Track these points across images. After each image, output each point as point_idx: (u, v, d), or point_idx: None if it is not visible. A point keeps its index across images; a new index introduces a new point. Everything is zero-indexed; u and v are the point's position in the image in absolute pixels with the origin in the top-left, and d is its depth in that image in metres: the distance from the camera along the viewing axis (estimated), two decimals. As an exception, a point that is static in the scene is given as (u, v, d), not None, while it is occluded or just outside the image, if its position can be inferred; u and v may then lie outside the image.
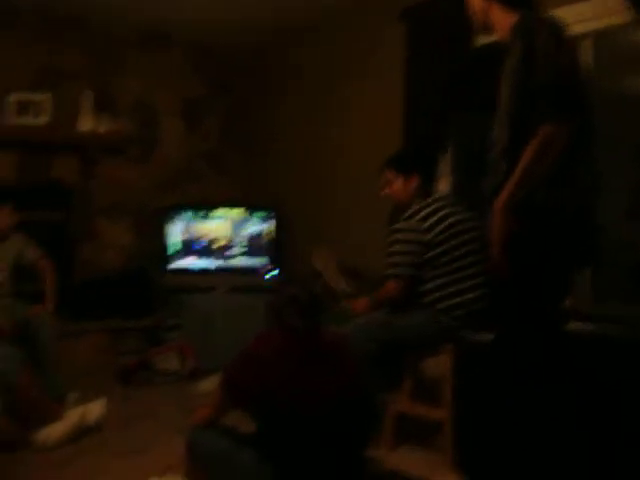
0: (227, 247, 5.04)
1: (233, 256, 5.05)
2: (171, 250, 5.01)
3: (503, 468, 2.47)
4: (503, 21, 2.43)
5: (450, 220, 3.21)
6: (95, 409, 3.53)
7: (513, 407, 2.40)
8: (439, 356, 3.22)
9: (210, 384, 4.05)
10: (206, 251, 5.04)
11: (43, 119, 4.68)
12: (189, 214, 5.05)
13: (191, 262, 5.04)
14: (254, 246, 5.06)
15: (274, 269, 5.01)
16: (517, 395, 2.39)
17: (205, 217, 5.05)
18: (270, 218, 5.06)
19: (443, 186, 4.01)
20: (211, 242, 5.04)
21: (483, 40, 3.58)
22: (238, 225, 5.07)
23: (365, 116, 4.56)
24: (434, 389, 3.27)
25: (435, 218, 3.20)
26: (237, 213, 5.07)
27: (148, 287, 5.12)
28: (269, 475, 2.58)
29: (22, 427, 3.28)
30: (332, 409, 2.61)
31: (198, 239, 5.03)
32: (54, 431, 3.29)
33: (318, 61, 5.00)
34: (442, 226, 3.19)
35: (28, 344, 3.78)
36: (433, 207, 3.24)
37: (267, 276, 4.99)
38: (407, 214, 3.25)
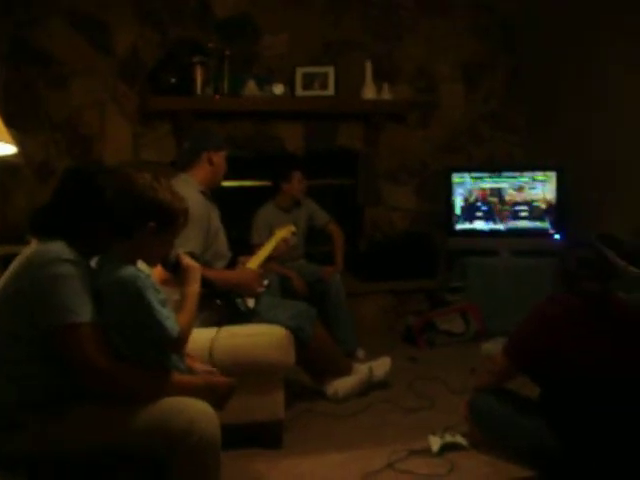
0: (510, 210, 4.89)
1: (516, 219, 4.89)
2: (454, 213, 4.99)
3: None
4: None
5: None
6: (382, 366, 3.61)
7: None
8: None
9: (494, 346, 3.98)
10: (489, 214, 4.93)
11: (328, 90, 4.91)
12: (471, 176, 4.96)
13: (474, 225, 4.96)
14: (537, 209, 4.84)
15: (557, 233, 4.75)
16: None
17: (487, 179, 4.94)
18: (553, 181, 4.79)
19: None
20: (493, 205, 4.92)
21: None
22: (520, 187, 4.87)
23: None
24: None
25: None
26: (519, 175, 4.88)
27: (432, 249, 5.15)
28: (554, 443, 2.48)
29: (315, 379, 3.46)
30: (624, 377, 2.44)
31: (480, 202, 4.94)
32: (344, 384, 3.42)
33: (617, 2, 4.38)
34: None
35: (320, 302, 4.04)
36: None
37: (553, 239, 4.76)
38: None
